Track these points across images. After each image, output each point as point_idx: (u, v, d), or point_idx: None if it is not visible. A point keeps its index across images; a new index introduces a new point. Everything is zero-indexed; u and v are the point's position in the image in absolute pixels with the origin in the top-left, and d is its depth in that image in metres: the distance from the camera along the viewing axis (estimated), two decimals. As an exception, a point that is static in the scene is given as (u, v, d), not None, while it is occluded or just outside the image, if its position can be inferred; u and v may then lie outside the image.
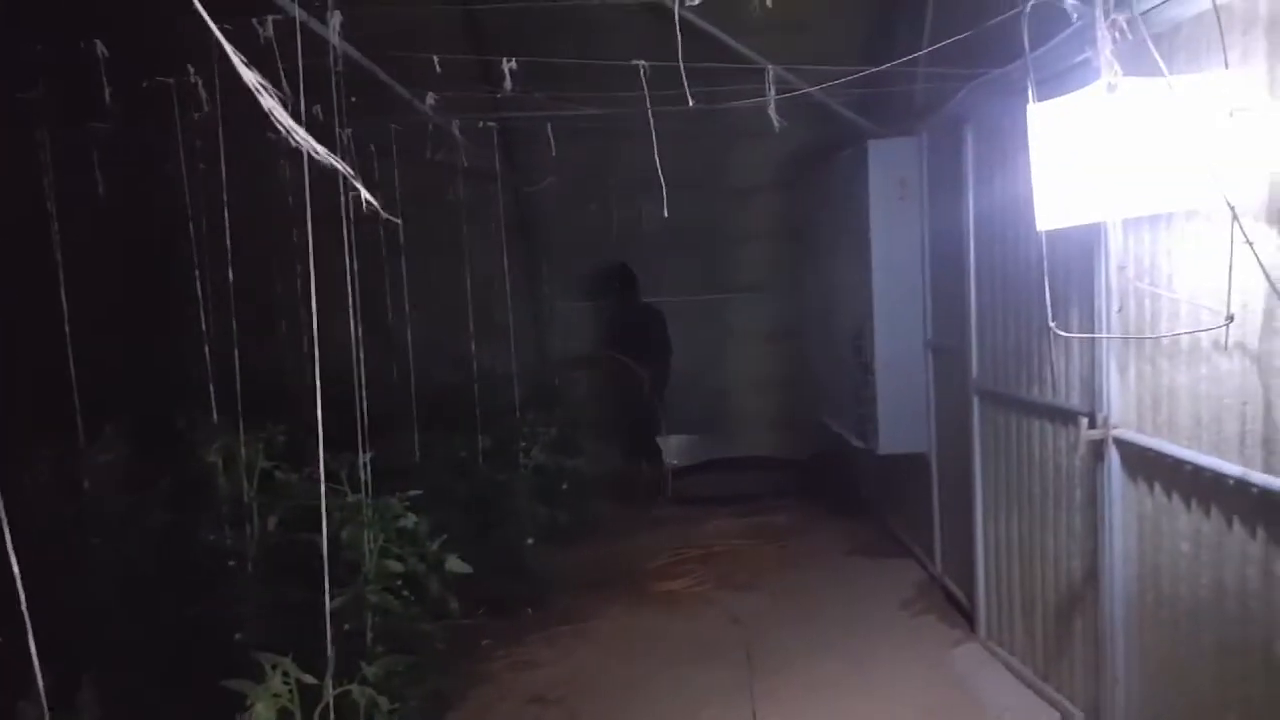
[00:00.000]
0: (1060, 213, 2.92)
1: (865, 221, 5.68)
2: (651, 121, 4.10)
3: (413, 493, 4.10)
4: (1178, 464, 2.95)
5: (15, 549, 1.65)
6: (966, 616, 4.96)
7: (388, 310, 6.11)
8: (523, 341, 7.54)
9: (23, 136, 4.70)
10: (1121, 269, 3.19)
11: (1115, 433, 3.31)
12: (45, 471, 4.15)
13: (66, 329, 4.44)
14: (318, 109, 3.73)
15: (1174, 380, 2.98)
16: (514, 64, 4.40)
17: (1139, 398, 3.20)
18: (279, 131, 1.36)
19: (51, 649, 1.82)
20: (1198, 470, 2.84)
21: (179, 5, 1.45)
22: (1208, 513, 2.84)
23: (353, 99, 4.01)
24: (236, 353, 4.28)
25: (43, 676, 1.79)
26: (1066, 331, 3.52)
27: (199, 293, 4.56)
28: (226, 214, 4.30)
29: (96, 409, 4.55)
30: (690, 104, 3.81)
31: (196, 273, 4.65)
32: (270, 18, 3.47)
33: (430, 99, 5.18)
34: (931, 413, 5.58)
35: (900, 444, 5.73)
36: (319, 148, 1.42)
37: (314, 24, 3.34)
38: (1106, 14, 2.90)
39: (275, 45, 3.29)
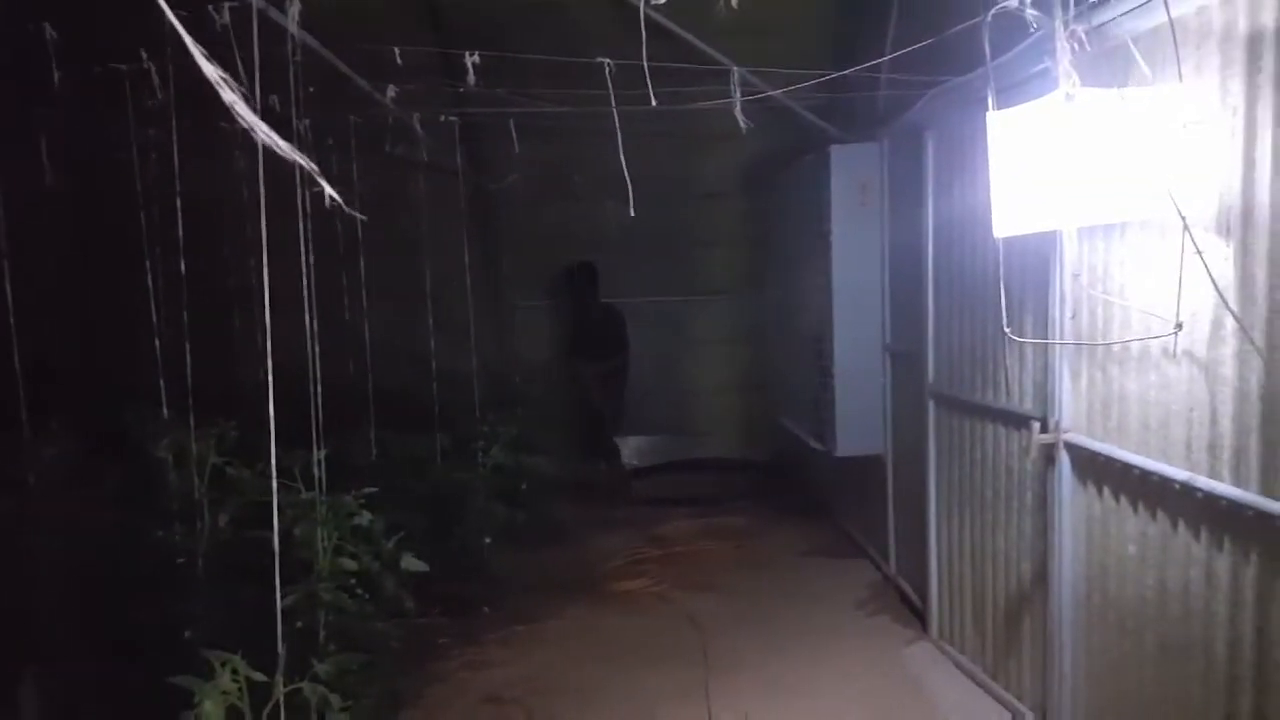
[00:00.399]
0: (1017, 220, 2.96)
1: (827, 226, 5.73)
2: (617, 120, 4.09)
3: (367, 490, 4.04)
4: (1126, 468, 3.01)
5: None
6: (919, 616, 5.02)
7: (345, 306, 6.03)
8: (483, 340, 7.49)
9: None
10: (1076, 277, 3.25)
11: (1066, 437, 3.37)
12: None
13: (10, 321, 4.26)
14: (274, 99, 3.67)
15: (1124, 386, 3.04)
16: (477, 58, 4.37)
17: (1090, 403, 3.27)
18: (234, 121, 1.34)
19: None
20: (1145, 474, 2.91)
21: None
22: (1154, 516, 2.90)
23: (310, 89, 3.95)
24: (188, 347, 4.19)
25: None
26: (1021, 337, 3.58)
27: (149, 285, 4.46)
28: (179, 204, 4.22)
29: (42, 404, 4.40)
30: (654, 103, 3.80)
31: (147, 264, 4.54)
32: (227, 4, 3.40)
33: (391, 91, 5.12)
34: (888, 416, 5.64)
35: (857, 446, 5.79)
36: (281, 143, 1.40)
37: (273, 12, 3.27)
38: (1066, 24, 2.95)
39: (232, 33, 3.22)
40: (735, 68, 4.56)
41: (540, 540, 6.63)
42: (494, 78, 4.68)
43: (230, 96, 1.29)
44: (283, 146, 1.41)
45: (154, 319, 4.37)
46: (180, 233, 4.26)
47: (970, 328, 4.23)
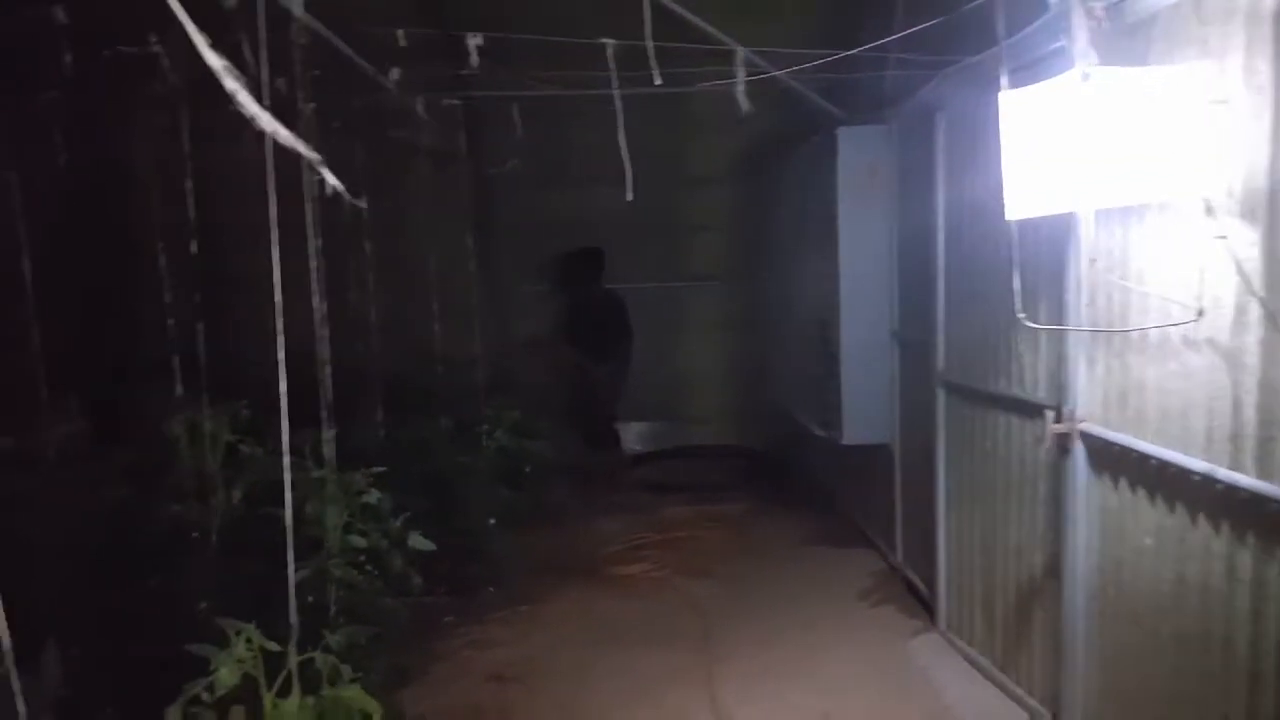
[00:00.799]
0: (1031, 203, 2.90)
1: (833, 210, 5.64)
2: (619, 102, 4.02)
3: (376, 469, 4.06)
4: (1143, 459, 2.93)
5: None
6: (926, 607, 4.96)
7: (349, 289, 6.00)
8: (485, 324, 7.44)
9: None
10: (1092, 261, 3.16)
11: (1081, 426, 3.29)
12: (7, 442, 4.12)
13: (28, 302, 4.48)
14: (280, 82, 3.61)
15: (1142, 375, 2.97)
16: (480, 40, 4.30)
17: (1106, 392, 3.19)
18: (239, 105, 1.30)
19: (14, 613, 1.83)
20: (1163, 465, 2.83)
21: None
22: (1172, 508, 2.83)
23: (315, 73, 3.88)
24: (200, 327, 4.34)
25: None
26: (1035, 323, 3.49)
27: (161, 266, 4.57)
28: (188, 187, 4.29)
29: (57, 383, 4.57)
30: (658, 82, 3.72)
31: (160, 246, 4.62)
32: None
33: (394, 75, 5.05)
34: (896, 404, 5.57)
35: (864, 435, 5.72)
36: (285, 132, 1.37)
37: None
38: (1083, 1, 2.87)
39: (236, 17, 3.16)
40: (740, 48, 4.48)
41: (541, 523, 6.65)
42: (496, 59, 4.60)
43: (233, 85, 1.25)
44: (285, 135, 1.37)
45: (165, 300, 4.52)
46: (190, 215, 4.35)
47: (982, 314, 4.15)
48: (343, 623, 3.50)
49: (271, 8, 3.14)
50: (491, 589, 5.59)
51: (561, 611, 5.36)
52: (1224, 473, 2.55)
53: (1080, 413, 3.31)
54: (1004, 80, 3.05)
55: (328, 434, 3.72)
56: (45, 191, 5.04)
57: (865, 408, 5.66)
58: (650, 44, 3.58)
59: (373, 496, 3.97)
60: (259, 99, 1.33)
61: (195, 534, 4.01)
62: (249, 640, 2.82)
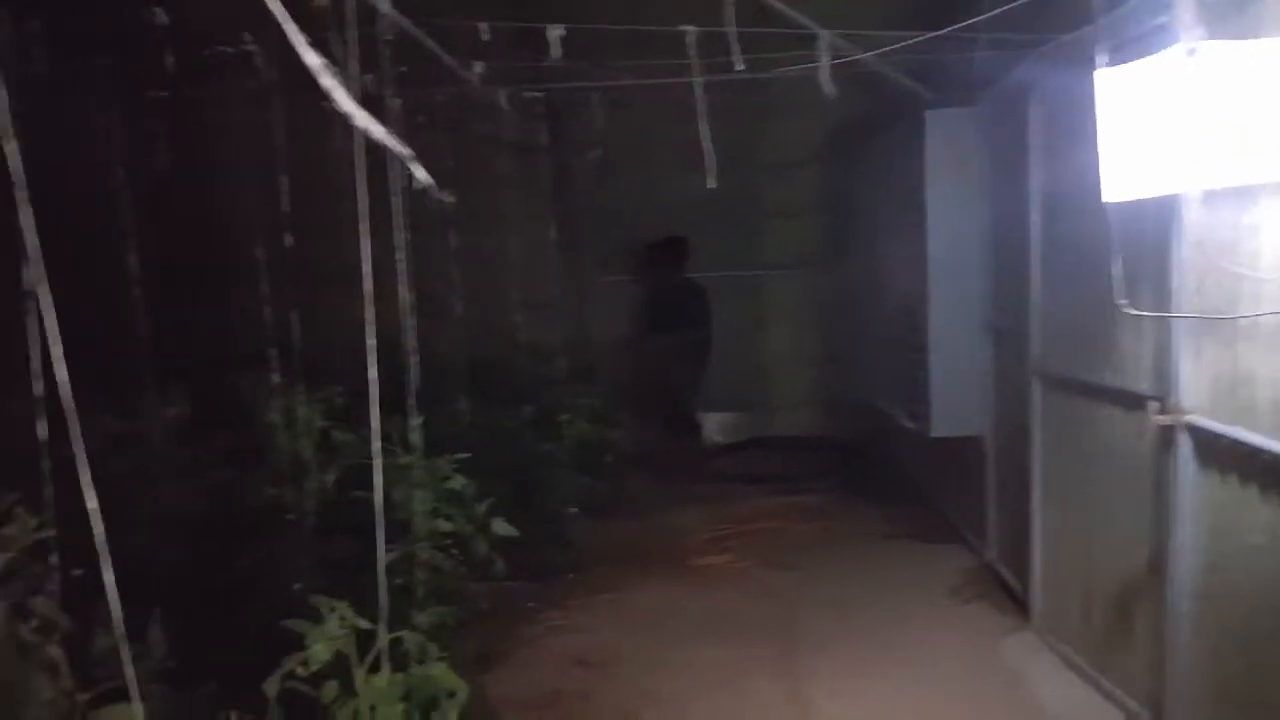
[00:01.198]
0: (1132, 185, 2.78)
1: (921, 195, 5.50)
2: (699, 90, 3.99)
3: (460, 455, 4.13)
4: (1255, 453, 2.78)
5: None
6: (1019, 605, 4.82)
7: (435, 280, 6.12)
8: (566, 313, 7.50)
9: (84, 104, 4.80)
10: (1199, 245, 3.01)
11: (1187, 418, 3.14)
12: (115, 425, 4.29)
13: (134, 291, 4.75)
14: (369, 78, 3.69)
15: (1253, 365, 2.81)
16: (562, 30, 4.32)
17: (1214, 382, 3.04)
18: (331, 101, 1.33)
19: (122, 588, 1.93)
20: (1277, 460, 2.68)
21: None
22: (1286, 505, 2.68)
23: (402, 69, 3.96)
24: (294, 317, 4.57)
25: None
26: (1137, 310, 3.34)
27: (257, 259, 4.78)
28: (283, 183, 4.48)
29: (164, 369, 4.84)
30: (741, 68, 3.68)
31: (256, 239, 4.84)
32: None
33: (477, 69, 5.10)
34: (988, 395, 5.41)
35: (953, 426, 5.57)
36: (378, 128, 1.40)
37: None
38: (1190, -27, 2.73)
39: (325, 14, 3.24)
40: (823, 31, 4.39)
41: (622, 513, 6.69)
42: (577, 49, 4.62)
43: (330, 83, 1.28)
44: (379, 132, 1.40)
45: (260, 291, 4.72)
46: (284, 209, 4.55)
47: (1078, 302, 3.99)
48: (430, 604, 3.59)
49: (359, 4, 3.21)
50: (572, 576, 5.63)
51: (643, 600, 5.37)
52: (1345, 468, 2.40)
53: (1186, 404, 3.16)
54: (1101, 58, 2.93)
55: (415, 421, 3.81)
56: (151, 187, 5.29)
57: (954, 398, 5.51)
58: (733, 29, 3.53)
59: (457, 482, 4.04)
60: (351, 96, 1.35)
61: (290, 515, 4.16)
62: (342, 618, 2.91)
